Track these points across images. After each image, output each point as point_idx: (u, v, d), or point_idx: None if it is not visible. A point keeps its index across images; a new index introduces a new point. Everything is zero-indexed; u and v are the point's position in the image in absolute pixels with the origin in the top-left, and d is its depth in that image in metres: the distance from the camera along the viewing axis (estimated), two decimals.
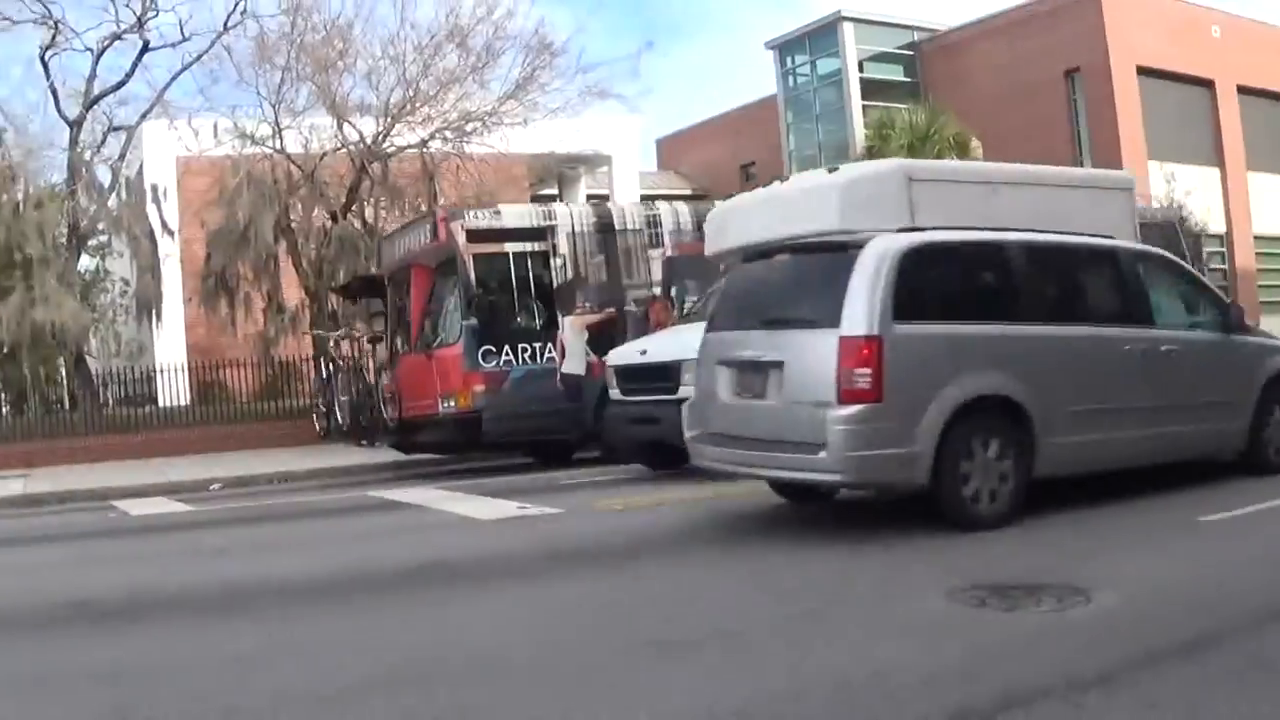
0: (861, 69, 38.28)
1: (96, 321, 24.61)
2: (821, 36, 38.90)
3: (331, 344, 19.82)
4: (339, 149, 21.96)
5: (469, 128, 22.09)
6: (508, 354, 13.94)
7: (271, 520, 11.14)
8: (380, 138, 22.07)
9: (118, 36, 21.88)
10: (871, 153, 30.27)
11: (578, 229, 14.58)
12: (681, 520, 9.06)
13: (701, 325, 10.56)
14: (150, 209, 23.65)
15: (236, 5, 21.61)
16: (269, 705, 4.51)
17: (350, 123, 21.92)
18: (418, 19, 22.44)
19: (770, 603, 5.88)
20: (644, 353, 11.80)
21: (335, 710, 4.43)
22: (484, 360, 13.75)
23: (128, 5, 21.58)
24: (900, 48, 39.11)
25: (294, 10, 21.48)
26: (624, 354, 12.37)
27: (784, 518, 8.76)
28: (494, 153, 21.86)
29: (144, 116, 22.76)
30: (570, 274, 14.36)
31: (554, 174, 32.86)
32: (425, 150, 22.34)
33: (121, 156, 23.39)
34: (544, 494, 10.85)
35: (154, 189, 24.50)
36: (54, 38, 21.63)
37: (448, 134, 22.17)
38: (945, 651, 4.74)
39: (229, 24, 21.67)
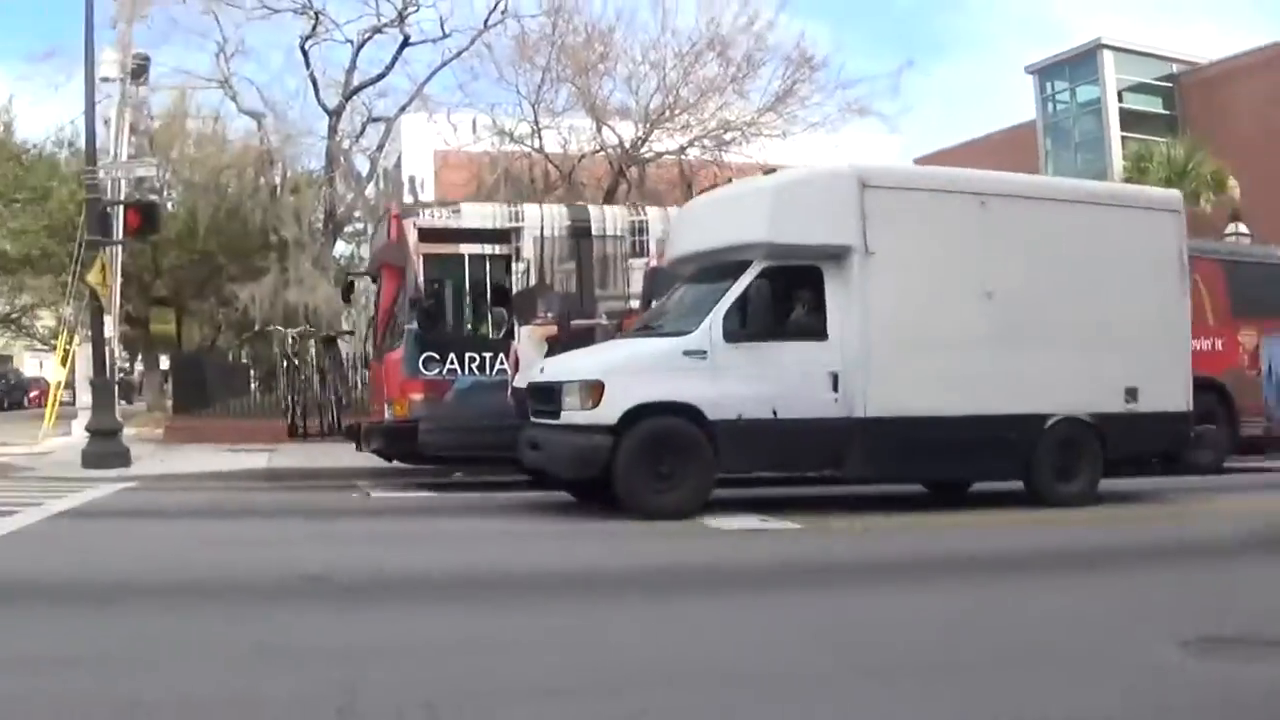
0: (1121, 99, 37.41)
1: (349, 305, 26.00)
2: (1081, 64, 38.05)
3: (290, 341, 19.59)
4: (597, 151, 22.35)
5: (728, 137, 22.20)
6: (453, 363, 12.60)
7: (509, 512, 10.70)
8: (639, 142, 22.28)
9: (378, 30, 22.71)
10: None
11: (547, 233, 13.09)
12: (918, 542, 8.67)
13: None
14: (407, 199, 23.98)
15: (497, 4, 22.21)
16: (496, 691, 4.33)
17: (609, 126, 22.25)
18: (679, 26, 22.12)
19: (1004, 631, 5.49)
20: (542, 371, 10.56)
21: (581, 704, 4.24)
22: (425, 368, 12.47)
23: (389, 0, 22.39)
24: (1159, 79, 37.83)
25: (555, 11, 21.96)
26: (529, 372, 11.16)
27: (1026, 548, 8.33)
28: (751, 163, 21.80)
29: (403, 109, 23.53)
30: (533, 281, 12.96)
31: None
32: (683, 157, 22.49)
33: (380, 147, 24.27)
34: (785, 510, 10.14)
35: (411, 180, 25.25)
36: (314, 28, 22.63)
37: (706, 142, 22.30)
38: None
39: (489, 22, 22.27)
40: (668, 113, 22.00)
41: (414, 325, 12.56)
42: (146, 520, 10.06)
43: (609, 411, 9.25)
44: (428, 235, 12.75)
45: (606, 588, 6.67)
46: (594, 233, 13.32)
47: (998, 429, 10.07)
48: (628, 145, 22.20)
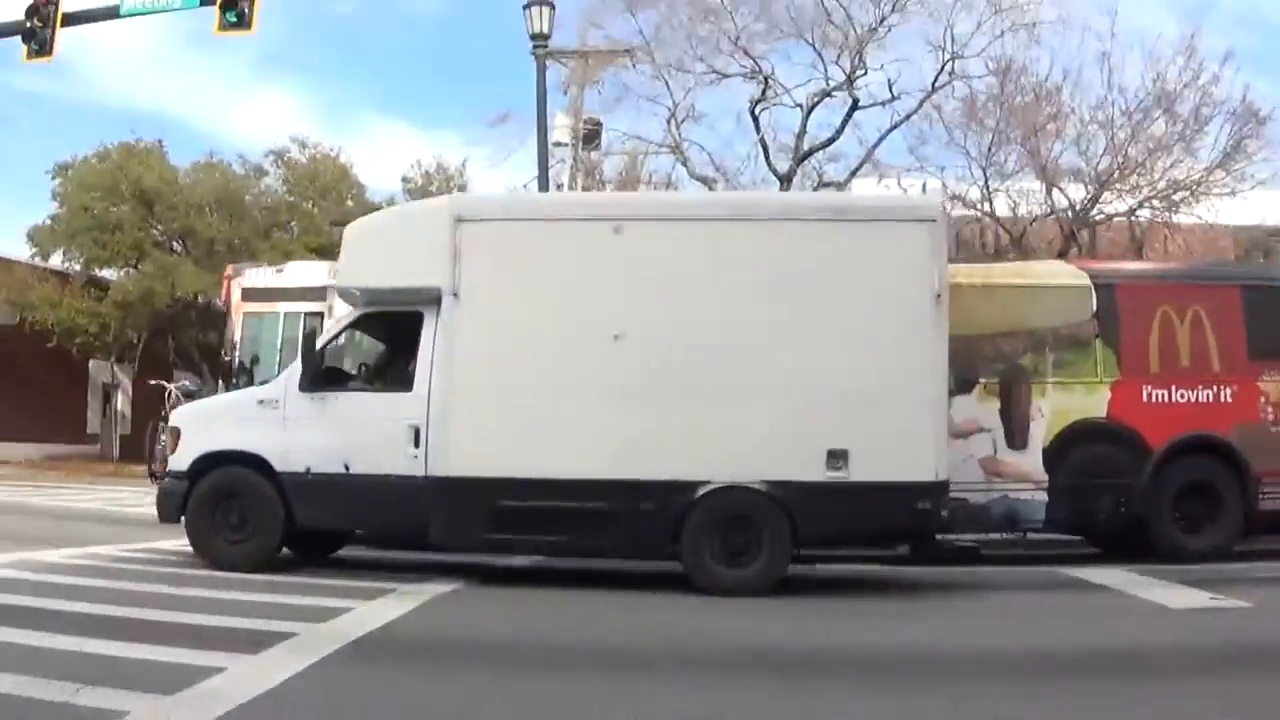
0: None
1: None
2: None
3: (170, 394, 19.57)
4: (1049, 215, 21.87)
5: (1176, 196, 21.18)
6: None
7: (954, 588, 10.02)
8: (1089, 204, 21.65)
9: (827, 94, 22.85)
10: None
11: None
12: None
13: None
14: None
15: (944, 66, 22.17)
16: None
17: (1060, 188, 21.73)
18: (1125, 83, 21.35)
19: None
20: None
21: None
22: None
23: (836, 63, 22.52)
24: None
25: (1002, 72, 21.74)
26: None
27: None
28: (1201, 223, 21.07)
29: (853, 173, 23.47)
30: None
31: (1261, 247, 29.65)
32: (1134, 219, 21.72)
33: None
34: (1233, 584, 9.42)
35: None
36: (764, 93, 22.90)
37: (1155, 202, 21.44)
38: None
39: (937, 84, 22.26)
40: (1117, 173, 21.21)
41: (234, 382, 12.69)
42: None
43: (183, 458, 9.17)
44: (250, 294, 13.26)
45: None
46: None
47: (625, 497, 8.57)
48: (1077, 208, 21.55)
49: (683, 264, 8.75)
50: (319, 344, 9.13)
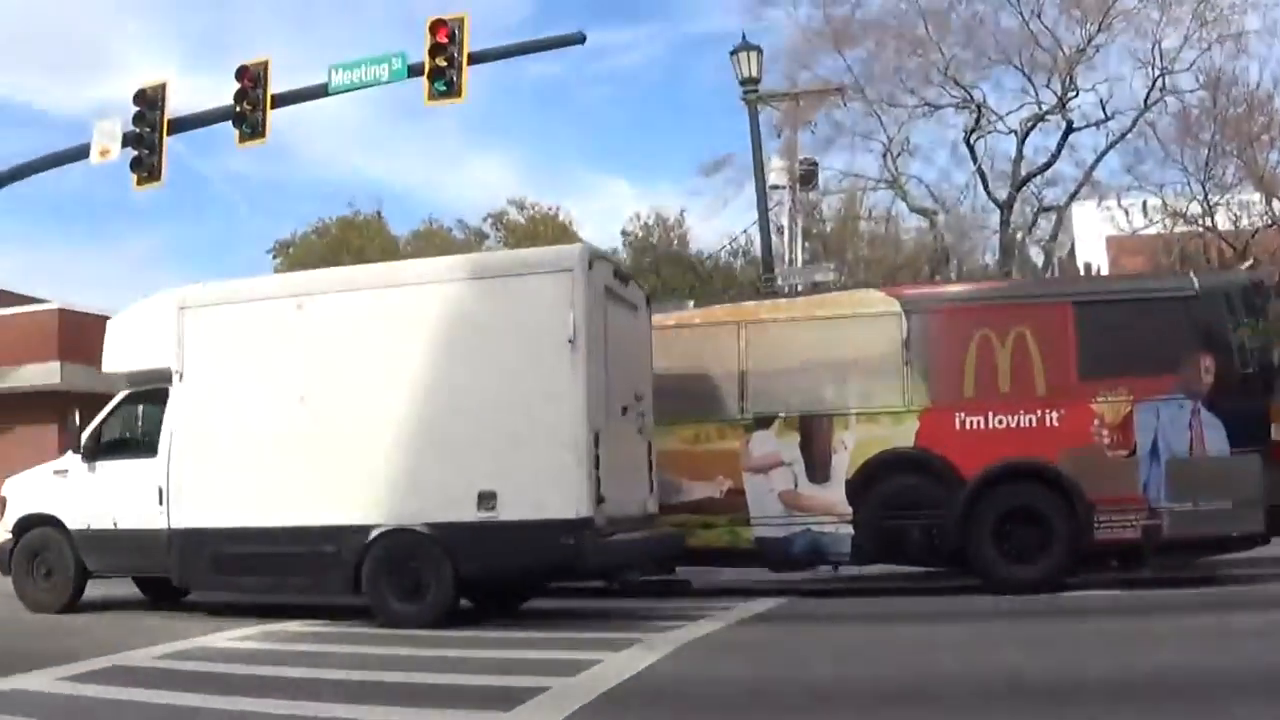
0: None
1: None
2: None
3: None
4: (1270, 225, 21.43)
5: None
6: None
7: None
8: None
9: (1040, 118, 23.05)
10: None
11: None
12: None
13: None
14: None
15: (1155, 82, 22.27)
16: None
17: (1279, 198, 21.39)
18: None
19: None
20: None
21: None
22: None
23: (1047, 86, 22.82)
24: None
25: (1213, 85, 21.83)
26: None
27: None
28: None
29: (1072, 197, 23.68)
30: None
31: None
32: None
33: (1053, 237, 24.64)
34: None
35: (1086, 268, 24.71)
36: (977, 121, 23.24)
37: None
38: None
39: (1149, 101, 22.34)
40: None
41: None
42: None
43: (8, 521, 11.22)
44: None
45: None
46: None
47: (314, 541, 9.76)
48: None
49: (353, 330, 9.92)
50: (96, 421, 10.98)
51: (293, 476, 9.85)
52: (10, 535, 11.16)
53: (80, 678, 7.07)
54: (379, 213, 35.20)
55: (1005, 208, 22.77)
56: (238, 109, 15.53)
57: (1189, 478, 11.12)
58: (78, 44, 60.66)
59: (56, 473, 11.12)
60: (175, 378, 10.42)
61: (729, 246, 31.10)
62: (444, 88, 15.05)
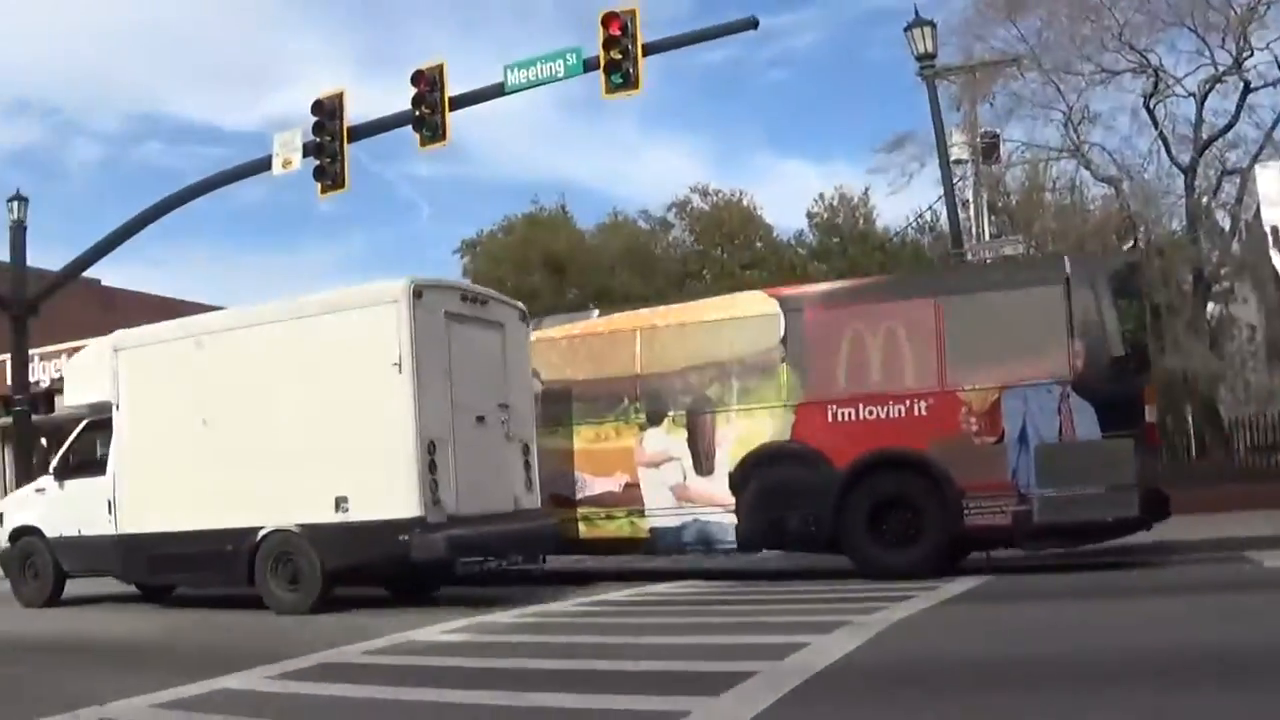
0: None
1: (1225, 368, 24.16)
2: None
3: None
4: None
5: None
6: None
7: None
8: None
9: (1218, 79, 22.36)
10: None
11: None
12: None
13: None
14: (1272, 253, 22.97)
15: None
16: None
17: None
18: None
19: None
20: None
21: None
22: None
23: (1222, 46, 22.02)
24: None
25: None
26: None
27: None
28: None
29: (1254, 159, 22.93)
30: None
31: None
32: None
33: (1238, 200, 23.94)
34: None
35: (1274, 231, 23.71)
36: (1155, 85, 22.65)
37: None
38: None
39: None
40: None
41: None
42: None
43: (4, 532, 13.32)
44: None
45: None
46: None
47: (218, 542, 11.27)
48: None
49: (239, 363, 11.49)
50: (65, 445, 12.91)
51: (202, 488, 11.38)
52: (9, 543, 13.22)
53: (288, 675, 7.08)
54: (563, 207, 35.42)
55: (1189, 172, 22.18)
56: (417, 113, 15.90)
57: (1058, 463, 11.17)
58: (249, 63, 65.58)
59: (37, 490, 13.17)
60: (115, 408, 12.17)
61: (914, 223, 30.92)
62: (621, 80, 15.27)
